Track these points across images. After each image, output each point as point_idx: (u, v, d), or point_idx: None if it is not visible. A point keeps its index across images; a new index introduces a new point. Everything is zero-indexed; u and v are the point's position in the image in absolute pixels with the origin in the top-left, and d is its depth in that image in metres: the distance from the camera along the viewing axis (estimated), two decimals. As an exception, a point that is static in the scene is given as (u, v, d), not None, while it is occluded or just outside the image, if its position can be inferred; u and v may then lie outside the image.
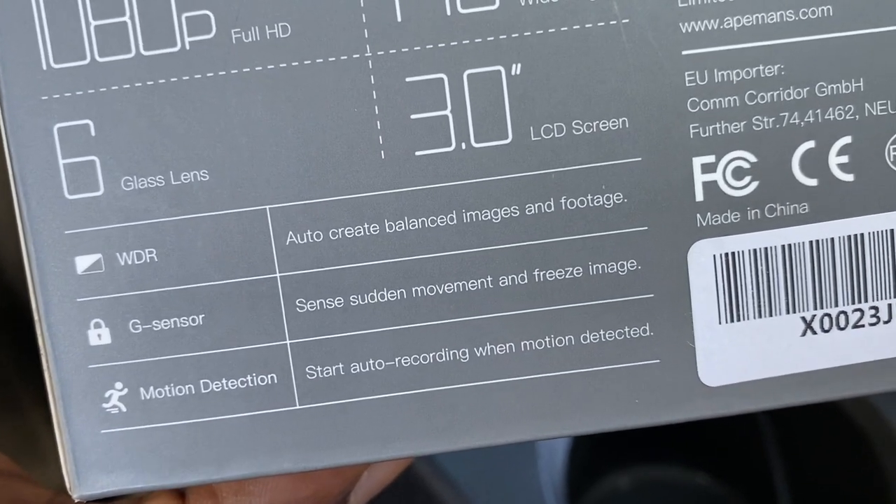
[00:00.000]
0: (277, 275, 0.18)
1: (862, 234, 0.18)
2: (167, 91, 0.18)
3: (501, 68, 0.18)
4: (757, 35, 0.18)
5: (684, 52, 0.18)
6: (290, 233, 0.18)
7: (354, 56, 0.18)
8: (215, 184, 0.18)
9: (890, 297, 0.19)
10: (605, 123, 0.18)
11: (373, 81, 0.18)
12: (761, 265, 0.18)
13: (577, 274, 0.18)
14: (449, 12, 0.18)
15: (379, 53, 0.18)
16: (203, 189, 0.18)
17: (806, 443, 0.42)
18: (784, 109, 0.18)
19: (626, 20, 0.18)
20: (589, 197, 0.18)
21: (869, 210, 0.18)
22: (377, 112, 0.18)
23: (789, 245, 0.18)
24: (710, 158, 0.18)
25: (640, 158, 0.18)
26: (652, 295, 0.19)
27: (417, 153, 0.18)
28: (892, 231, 0.18)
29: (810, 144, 0.18)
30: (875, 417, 0.38)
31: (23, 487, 0.25)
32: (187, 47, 0.18)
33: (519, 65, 0.18)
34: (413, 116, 0.18)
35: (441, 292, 0.18)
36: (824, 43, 0.18)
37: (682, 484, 0.46)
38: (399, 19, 0.18)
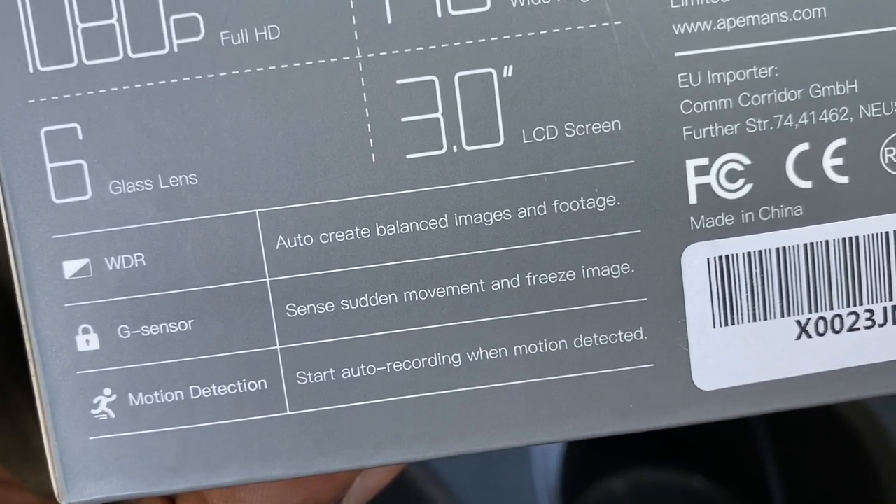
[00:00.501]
0: (267, 279, 0.18)
1: (857, 237, 0.18)
2: (155, 94, 0.18)
3: (493, 70, 0.18)
4: (750, 36, 0.18)
5: (677, 54, 0.18)
6: (280, 237, 0.18)
7: (345, 58, 0.18)
8: (204, 187, 0.18)
9: (885, 300, 0.18)
10: (597, 126, 0.18)
11: (363, 84, 0.18)
12: (755, 268, 0.18)
13: (570, 278, 0.18)
14: (440, 14, 0.18)
15: (369, 55, 0.18)
16: (192, 193, 0.18)
17: (801, 446, 0.42)
18: (778, 111, 0.18)
19: (619, 22, 0.18)
20: (582, 200, 0.18)
21: (864, 212, 0.18)
22: (368, 115, 0.18)
23: (784, 248, 0.18)
24: (704, 161, 0.18)
25: (633, 161, 0.18)
26: (645, 298, 0.18)
27: (408, 156, 0.18)
28: (886, 233, 0.18)
29: (804, 146, 0.18)
30: (871, 421, 0.38)
31: (12, 493, 0.25)
32: (175, 50, 0.18)
33: (511, 67, 0.18)
34: (404, 119, 0.18)
35: (433, 296, 0.18)
36: (818, 44, 0.18)
37: (677, 487, 0.46)
38: (389, 21, 0.18)
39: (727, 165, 0.18)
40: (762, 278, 0.18)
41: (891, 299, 0.18)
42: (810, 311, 0.18)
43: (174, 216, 0.18)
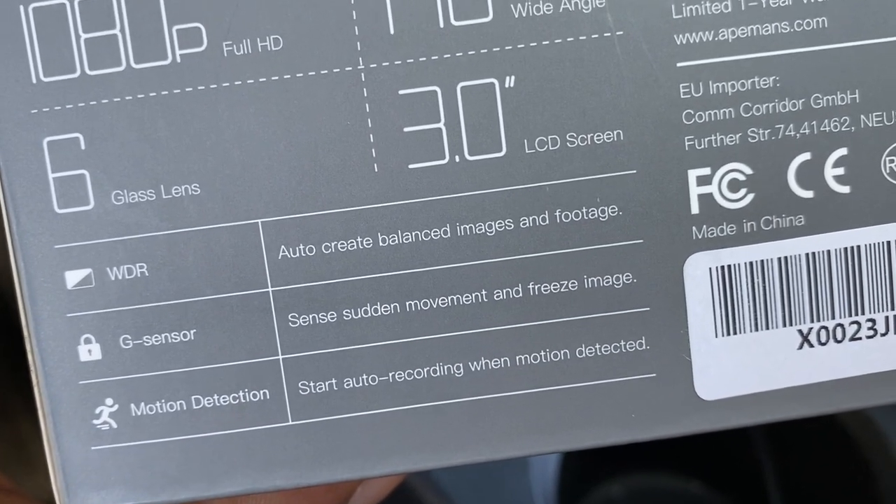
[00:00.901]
0: (269, 289, 0.18)
1: (858, 247, 0.18)
2: (158, 104, 0.18)
3: (495, 81, 0.18)
4: (752, 47, 0.18)
5: (679, 64, 0.18)
6: (283, 247, 0.18)
7: (347, 69, 0.18)
8: (207, 198, 0.18)
9: (887, 310, 0.18)
10: (599, 136, 0.18)
11: (365, 94, 0.18)
12: (757, 278, 0.18)
13: (573, 287, 0.18)
14: (442, 24, 0.18)
15: (372, 66, 0.18)
16: (194, 203, 0.18)
17: (799, 452, 0.42)
18: (780, 121, 0.18)
19: (621, 32, 0.18)
20: (584, 210, 0.18)
21: (865, 222, 0.18)
22: (370, 125, 0.18)
23: (785, 258, 0.18)
24: (706, 171, 0.18)
25: (635, 171, 0.18)
26: (648, 308, 0.18)
27: (411, 166, 0.18)
28: (888, 243, 0.18)
29: (806, 156, 0.18)
30: (869, 427, 0.38)
31: (14, 501, 0.25)
32: (178, 60, 0.18)
33: (513, 77, 0.18)
34: (406, 129, 0.18)
35: (435, 306, 0.18)
36: (820, 54, 0.18)
37: (675, 492, 0.45)
38: (392, 32, 0.18)
39: (729, 175, 0.18)
40: (764, 288, 0.18)
41: (892, 308, 0.18)
42: (812, 321, 0.18)
43: (176, 226, 0.18)
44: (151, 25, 0.18)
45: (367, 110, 0.18)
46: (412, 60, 0.18)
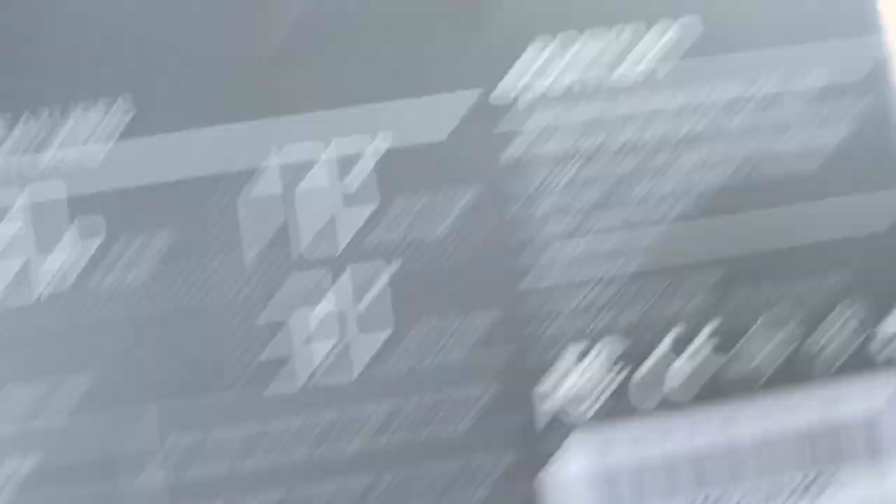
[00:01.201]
0: (160, 475, 0.19)
1: None
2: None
3: None
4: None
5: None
6: (173, 433, 0.19)
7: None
8: (98, 387, 0.19)
9: None
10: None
11: None
12: None
13: None
14: None
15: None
16: (85, 393, 0.19)
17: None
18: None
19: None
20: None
21: None
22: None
23: None
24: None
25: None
26: None
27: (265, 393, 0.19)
28: None
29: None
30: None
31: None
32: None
33: None
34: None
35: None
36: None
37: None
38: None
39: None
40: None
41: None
42: None
43: (68, 415, 0.19)
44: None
45: None
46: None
